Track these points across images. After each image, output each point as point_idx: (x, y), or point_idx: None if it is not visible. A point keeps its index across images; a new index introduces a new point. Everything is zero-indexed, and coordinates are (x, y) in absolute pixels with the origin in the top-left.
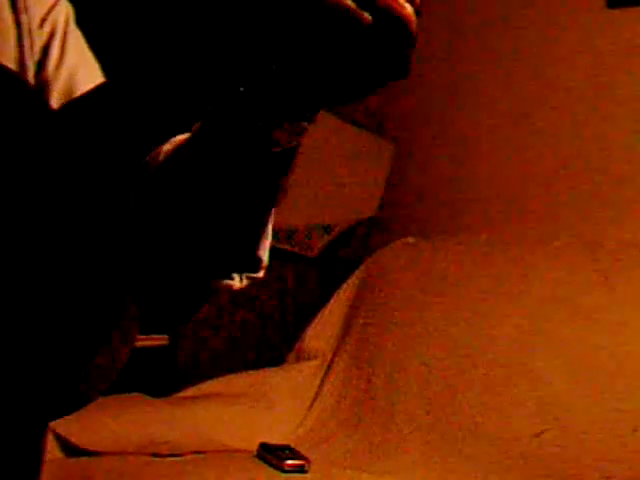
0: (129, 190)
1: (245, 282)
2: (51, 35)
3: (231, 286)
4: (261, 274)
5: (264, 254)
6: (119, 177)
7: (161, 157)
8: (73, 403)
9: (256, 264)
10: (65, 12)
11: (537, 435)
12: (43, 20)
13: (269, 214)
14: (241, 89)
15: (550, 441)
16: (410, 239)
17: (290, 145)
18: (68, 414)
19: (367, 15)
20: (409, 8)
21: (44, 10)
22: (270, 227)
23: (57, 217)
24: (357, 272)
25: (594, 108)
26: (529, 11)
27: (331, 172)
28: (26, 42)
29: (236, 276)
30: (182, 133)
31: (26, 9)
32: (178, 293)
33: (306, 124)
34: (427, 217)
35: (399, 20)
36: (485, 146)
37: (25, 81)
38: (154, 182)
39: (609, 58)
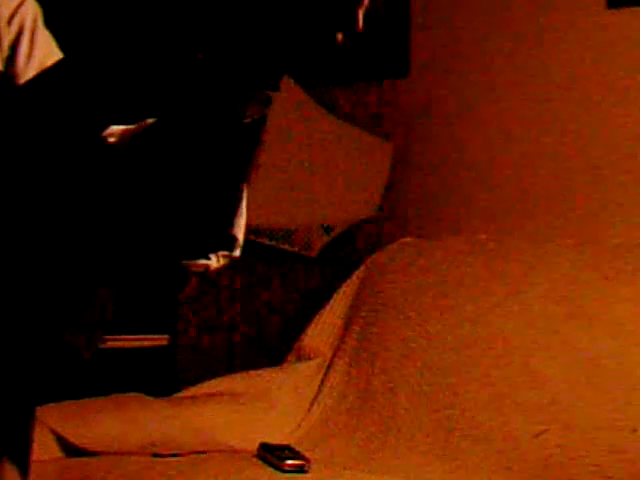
0: (88, 163)
1: (222, 261)
2: (19, 32)
3: (208, 266)
4: (237, 253)
5: (239, 232)
6: (76, 149)
7: (130, 134)
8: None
9: (231, 243)
10: (32, 11)
11: (537, 435)
12: (11, 17)
13: (241, 190)
14: (201, 57)
15: (550, 441)
16: (410, 239)
17: (257, 116)
18: (51, 376)
19: None
20: None
21: (11, 7)
22: (244, 205)
23: (19, 191)
24: (357, 272)
25: (594, 108)
26: (529, 11)
27: (331, 172)
28: None
29: (213, 256)
30: (139, 108)
31: None
32: (155, 273)
33: (271, 92)
34: (427, 217)
35: None
36: (485, 146)
37: None
38: (126, 158)
39: (609, 58)
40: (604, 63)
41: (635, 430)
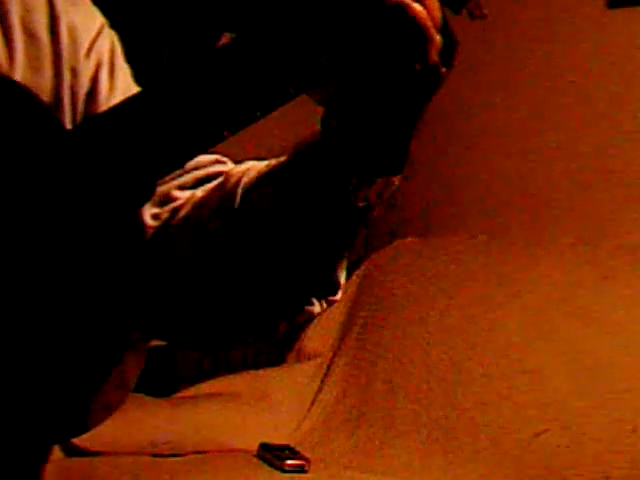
0: (140, 208)
1: (325, 305)
2: (98, 65)
3: (312, 312)
4: (339, 296)
5: (341, 276)
6: (132, 196)
7: (241, 192)
8: (75, 430)
9: (334, 287)
10: (109, 41)
11: (537, 435)
12: (89, 49)
13: (350, 250)
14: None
15: (550, 441)
16: (410, 239)
17: (372, 201)
18: (70, 438)
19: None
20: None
21: (89, 38)
22: (348, 256)
23: (67, 238)
24: (357, 272)
25: (594, 108)
26: (529, 11)
27: None
28: (64, 68)
29: (316, 301)
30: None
31: (72, 37)
32: (257, 320)
33: (396, 179)
34: (427, 217)
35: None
36: (485, 146)
37: (36, 96)
38: (238, 215)
39: (609, 58)
40: (604, 63)
41: (635, 430)
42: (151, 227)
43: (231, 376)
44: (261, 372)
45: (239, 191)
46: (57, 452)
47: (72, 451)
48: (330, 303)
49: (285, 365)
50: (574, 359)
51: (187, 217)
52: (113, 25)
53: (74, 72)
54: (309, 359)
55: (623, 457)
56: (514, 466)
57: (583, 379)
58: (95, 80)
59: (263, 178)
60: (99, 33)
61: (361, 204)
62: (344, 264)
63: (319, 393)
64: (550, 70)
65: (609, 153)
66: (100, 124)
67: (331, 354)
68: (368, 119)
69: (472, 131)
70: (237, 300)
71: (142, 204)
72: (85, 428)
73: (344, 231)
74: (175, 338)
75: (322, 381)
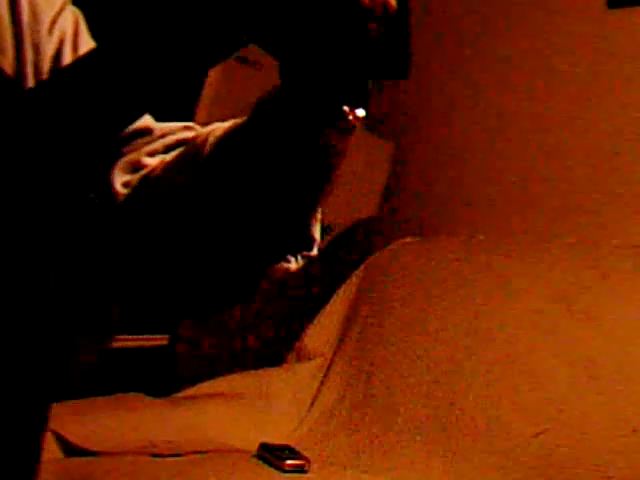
0: (107, 170)
1: (301, 262)
2: (61, 42)
3: (288, 268)
4: (315, 252)
5: (316, 232)
6: (93, 154)
7: (209, 146)
8: (61, 382)
9: (309, 242)
10: (72, 17)
11: (537, 435)
12: (52, 25)
13: (320, 200)
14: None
15: (550, 441)
16: (410, 239)
17: (338, 144)
18: (60, 393)
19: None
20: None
21: (51, 15)
22: (320, 208)
23: (30, 208)
24: (357, 272)
25: (595, 108)
26: (529, 11)
27: None
28: (27, 46)
29: (292, 258)
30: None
31: (34, 14)
32: (235, 279)
33: (356, 121)
34: (427, 217)
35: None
36: (485, 146)
37: (1, 70)
38: (207, 167)
39: (609, 58)
40: (604, 63)
41: (635, 430)
42: (122, 195)
43: (231, 376)
44: (261, 372)
45: (207, 147)
46: (57, 452)
47: (72, 451)
48: (307, 259)
49: (285, 365)
50: (574, 359)
51: (158, 180)
52: (76, 3)
53: (37, 49)
54: (309, 359)
55: (623, 457)
56: (514, 466)
57: (583, 379)
58: (58, 56)
59: (230, 132)
60: (61, 9)
61: (325, 150)
62: (317, 219)
63: (319, 393)
64: (550, 70)
65: (609, 153)
66: (58, 80)
67: (331, 354)
68: (322, 59)
69: (472, 131)
70: (215, 257)
71: (108, 165)
72: (71, 376)
73: (312, 179)
74: (156, 303)
75: (322, 381)
